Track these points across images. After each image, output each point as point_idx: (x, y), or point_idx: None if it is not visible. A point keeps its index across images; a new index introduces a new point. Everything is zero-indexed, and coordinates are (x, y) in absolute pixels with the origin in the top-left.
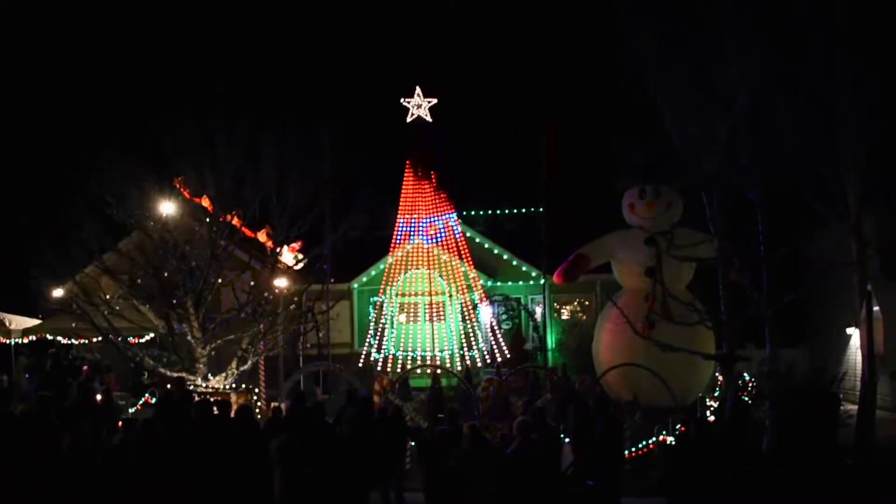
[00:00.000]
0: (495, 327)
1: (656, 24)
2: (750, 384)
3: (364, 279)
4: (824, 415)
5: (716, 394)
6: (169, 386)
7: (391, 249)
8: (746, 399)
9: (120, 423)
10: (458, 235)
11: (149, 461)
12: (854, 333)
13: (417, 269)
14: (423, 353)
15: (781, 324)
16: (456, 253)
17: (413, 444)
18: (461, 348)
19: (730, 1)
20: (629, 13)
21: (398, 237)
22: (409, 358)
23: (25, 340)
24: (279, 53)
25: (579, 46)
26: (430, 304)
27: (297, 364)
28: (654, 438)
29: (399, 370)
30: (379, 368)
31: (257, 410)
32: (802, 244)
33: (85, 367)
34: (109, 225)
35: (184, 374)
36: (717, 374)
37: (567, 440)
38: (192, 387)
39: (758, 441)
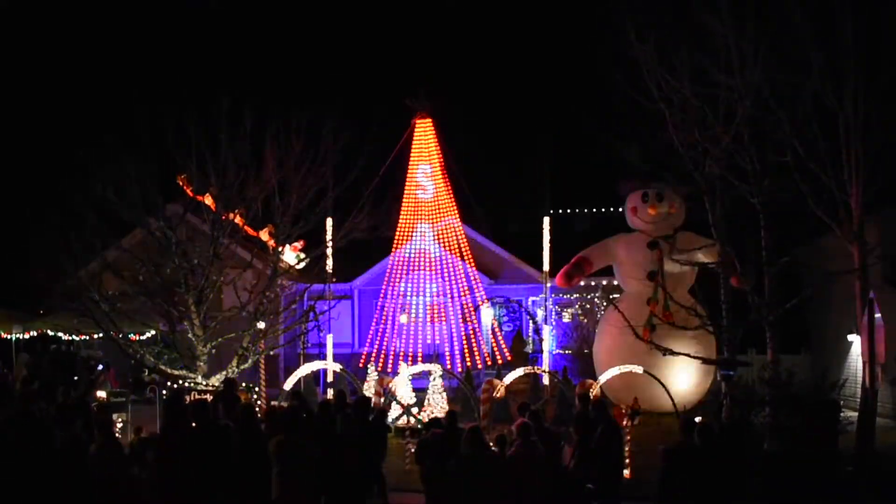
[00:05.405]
0: (496, 329)
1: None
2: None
3: (366, 279)
4: (825, 421)
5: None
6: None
7: (393, 250)
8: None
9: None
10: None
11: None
12: (855, 340)
13: (419, 269)
14: (424, 354)
15: (783, 329)
16: (458, 254)
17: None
18: (462, 350)
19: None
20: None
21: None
22: (410, 359)
23: (27, 336)
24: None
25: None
26: (432, 306)
27: (298, 363)
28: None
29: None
30: (379, 369)
31: (258, 409)
32: (804, 250)
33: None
34: (112, 221)
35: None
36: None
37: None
38: (190, 384)
39: (757, 447)
